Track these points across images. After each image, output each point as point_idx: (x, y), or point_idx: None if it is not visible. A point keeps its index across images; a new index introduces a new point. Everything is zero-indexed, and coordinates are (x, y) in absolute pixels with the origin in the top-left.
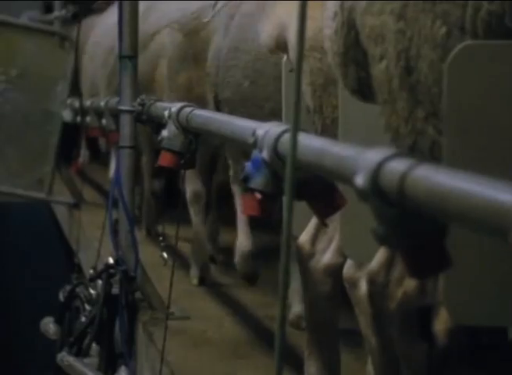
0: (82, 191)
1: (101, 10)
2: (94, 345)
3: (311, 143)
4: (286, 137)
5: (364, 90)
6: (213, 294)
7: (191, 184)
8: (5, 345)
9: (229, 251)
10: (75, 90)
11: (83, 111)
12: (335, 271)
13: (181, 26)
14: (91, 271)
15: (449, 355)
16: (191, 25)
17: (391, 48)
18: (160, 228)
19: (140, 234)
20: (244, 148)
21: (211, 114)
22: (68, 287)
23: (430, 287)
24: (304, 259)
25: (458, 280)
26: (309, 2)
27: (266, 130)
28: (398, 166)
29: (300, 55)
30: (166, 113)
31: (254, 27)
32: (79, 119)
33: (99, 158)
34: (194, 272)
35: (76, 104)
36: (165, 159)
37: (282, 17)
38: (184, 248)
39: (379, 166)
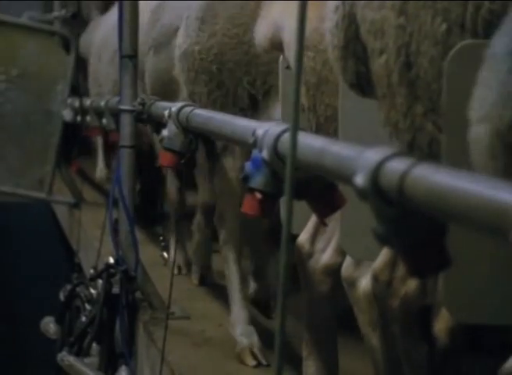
0: (82, 190)
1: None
2: (94, 345)
3: (310, 142)
4: (286, 136)
5: (362, 84)
6: (213, 294)
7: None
8: (6, 345)
9: None
10: (75, 89)
11: (83, 110)
12: (334, 271)
13: None
14: (92, 271)
15: (450, 354)
16: None
17: (391, 43)
18: (160, 228)
19: (140, 234)
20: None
21: (212, 114)
22: (68, 287)
23: (430, 287)
24: (303, 259)
25: (458, 279)
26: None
27: (266, 130)
28: (398, 165)
29: (300, 56)
30: (166, 113)
31: None
32: (79, 118)
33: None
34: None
35: (77, 103)
36: (165, 159)
37: (277, 17)
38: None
39: (379, 166)
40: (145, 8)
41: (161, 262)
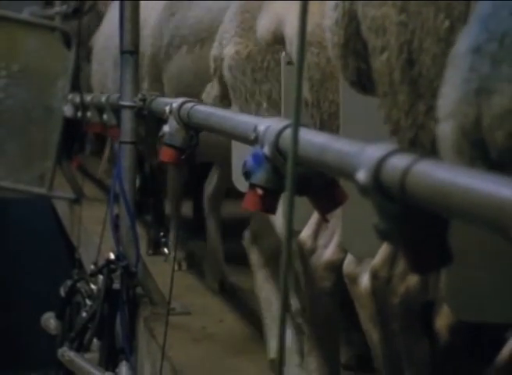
0: (83, 186)
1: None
2: (94, 340)
3: (312, 139)
4: (288, 132)
5: (364, 82)
6: (214, 290)
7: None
8: (6, 340)
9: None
10: (76, 85)
11: (84, 106)
12: (336, 267)
13: None
14: (92, 266)
15: (451, 351)
16: None
17: (393, 40)
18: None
19: (141, 230)
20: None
21: (213, 109)
22: (69, 283)
23: (432, 283)
24: (305, 255)
25: (460, 276)
26: None
27: (267, 126)
28: (399, 161)
29: (302, 52)
30: (167, 109)
31: None
32: (80, 114)
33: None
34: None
35: (77, 99)
36: (166, 155)
37: (280, 11)
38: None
39: (381, 162)
40: (150, 5)
41: (162, 257)
